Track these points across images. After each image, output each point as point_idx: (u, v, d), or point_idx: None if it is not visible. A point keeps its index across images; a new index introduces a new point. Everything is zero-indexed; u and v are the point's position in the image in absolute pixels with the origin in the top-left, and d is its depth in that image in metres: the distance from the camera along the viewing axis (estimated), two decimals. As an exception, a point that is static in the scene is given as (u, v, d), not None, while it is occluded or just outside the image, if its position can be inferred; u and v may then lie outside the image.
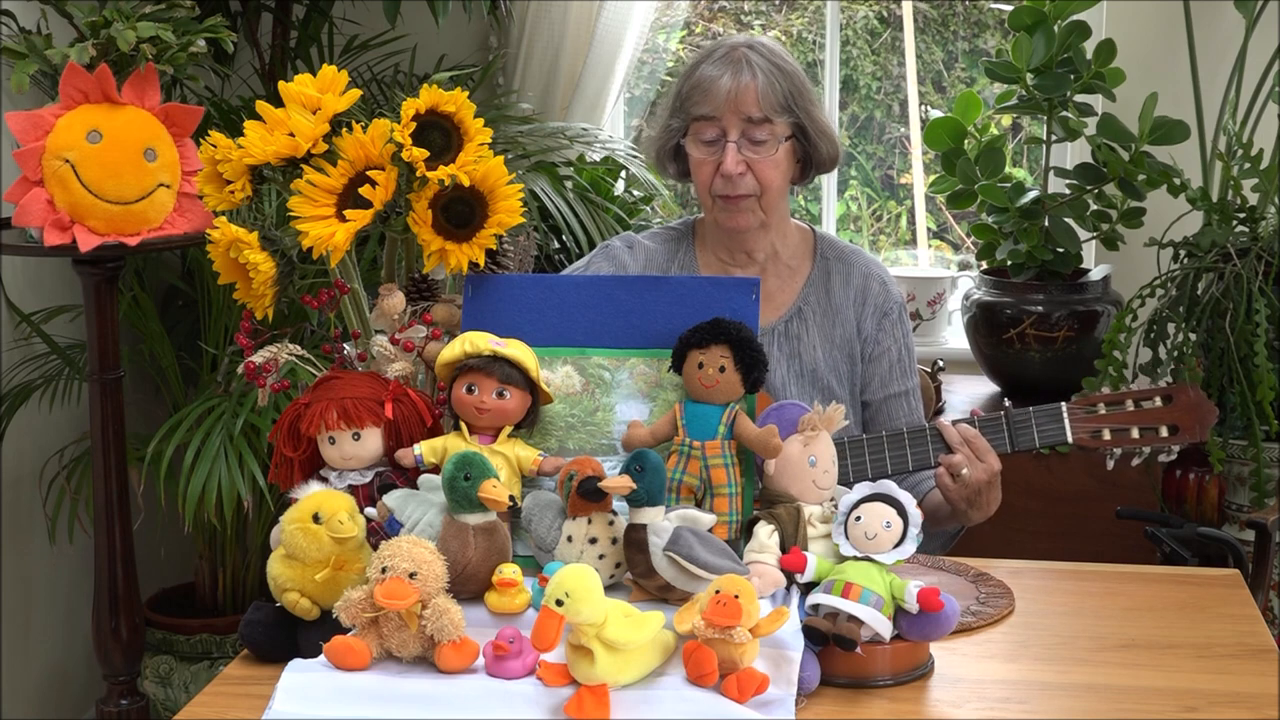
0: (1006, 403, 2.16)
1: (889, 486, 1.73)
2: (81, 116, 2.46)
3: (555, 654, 1.56)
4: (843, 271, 2.38)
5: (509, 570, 1.70)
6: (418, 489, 1.79)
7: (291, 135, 1.91)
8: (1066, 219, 3.20)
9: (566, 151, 3.46)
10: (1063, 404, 2.16)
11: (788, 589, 1.74)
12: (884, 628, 1.65)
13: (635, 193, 3.52)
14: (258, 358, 1.91)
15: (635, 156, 3.61)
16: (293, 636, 1.71)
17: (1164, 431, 2.15)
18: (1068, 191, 3.23)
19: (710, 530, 1.72)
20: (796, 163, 2.34)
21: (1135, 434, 2.15)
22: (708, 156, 2.28)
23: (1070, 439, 2.15)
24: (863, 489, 1.73)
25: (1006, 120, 4.04)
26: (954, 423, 2.16)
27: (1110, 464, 2.19)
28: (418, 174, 1.87)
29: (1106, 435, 2.15)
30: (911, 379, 2.39)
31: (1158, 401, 2.16)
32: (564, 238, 3.23)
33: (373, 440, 1.83)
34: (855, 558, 1.69)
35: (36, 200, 2.45)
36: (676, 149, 2.35)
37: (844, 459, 2.15)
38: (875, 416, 2.37)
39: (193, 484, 2.75)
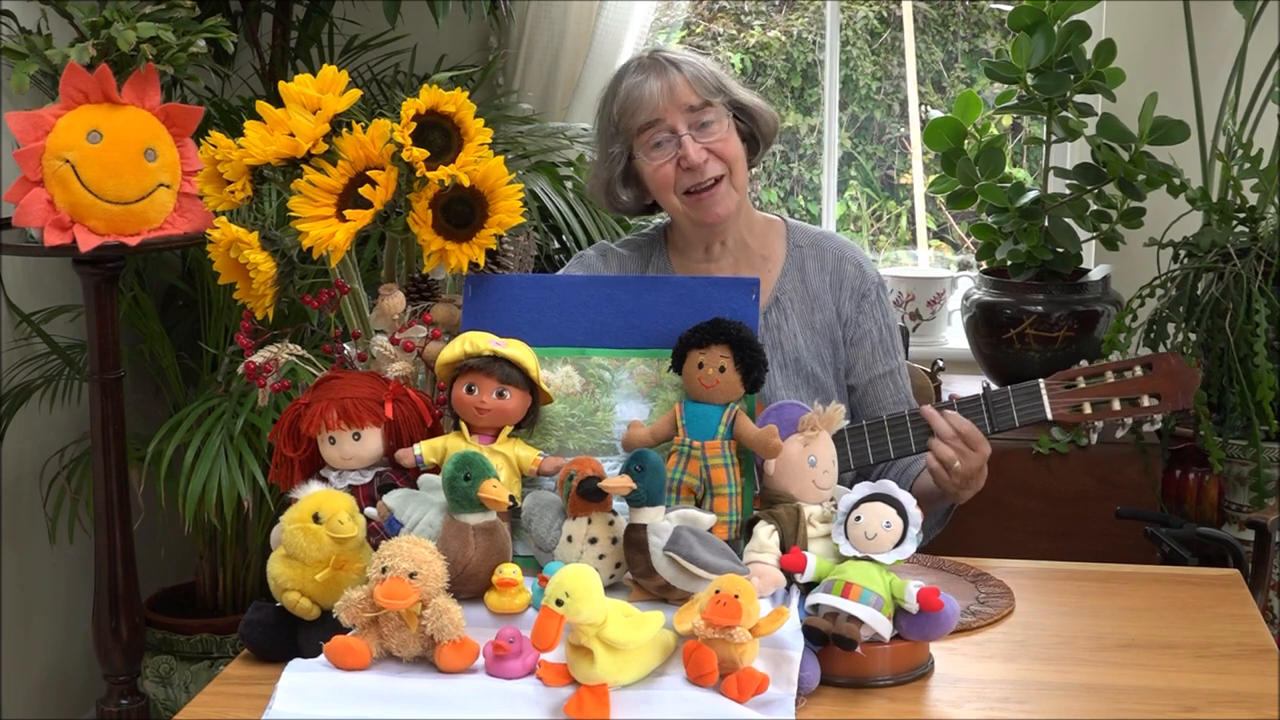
0: (984, 383, 2.11)
1: (889, 486, 1.73)
2: (82, 116, 2.46)
3: (555, 654, 1.56)
4: (816, 257, 2.37)
5: (509, 570, 1.70)
6: (418, 489, 1.79)
7: (291, 135, 1.91)
8: (1066, 219, 3.20)
9: (566, 151, 3.46)
10: (1040, 380, 2.12)
11: (788, 589, 1.74)
12: (884, 628, 1.65)
13: (635, 193, 3.52)
14: (258, 358, 1.91)
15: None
16: (293, 636, 1.72)
17: (1146, 401, 2.08)
18: (1068, 191, 3.23)
19: (710, 530, 1.72)
20: (743, 141, 2.33)
21: (1116, 405, 2.09)
22: (664, 158, 2.26)
23: (1050, 415, 2.10)
24: (863, 489, 1.73)
25: (1006, 120, 4.04)
26: (940, 408, 2.14)
27: (1093, 437, 2.14)
28: (418, 174, 1.87)
29: (1087, 409, 2.09)
30: (896, 358, 2.37)
31: (1138, 371, 2.10)
32: (564, 238, 3.23)
33: (373, 440, 1.83)
34: (855, 558, 1.69)
35: (37, 200, 2.45)
36: (625, 174, 2.32)
37: None
38: (863, 399, 2.36)
39: (193, 484, 2.75)
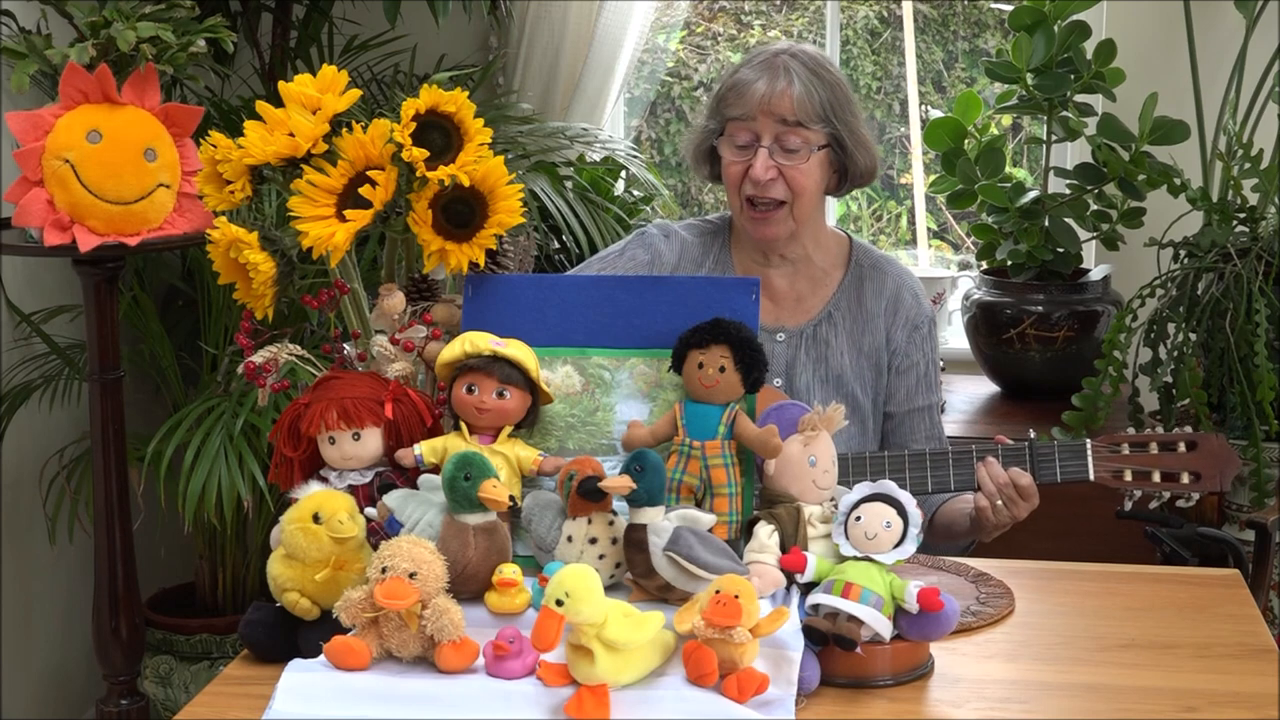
0: (1031, 433, 2.17)
1: (889, 486, 1.73)
2: (81, 116, 2.45)
3: (555, 654, 1.56)
4: (876, 280, 2.38)
5: (509, 570, 1.70)
6: (418, 489, 1.79)
7: (291, 135, 1.91)
8: (1066, 219, 3.21)
9: (566, 151, 3.46)
10: (1088, 441, 2.17)
11: (788, 589, 1.74)
12: (884, 628, 1.65)
13: (635, 193, 3.52)
14: (258, 358, 1.91)
15: (635, 156, 3.62)
16: (293, 636, 1.71)
17: (1185, 478, 2.15)
18: (1068, 191, 3.23)
19: (710, 530, 1.72)
20: (833, 173, 2.33)
21: (1156, 478, 2.16)
22: (739, 159, 2.28)
23: (1092, 477, 2.16)
24: (863, 489, 1.73)
25: (1006, 120, 4.05)
26: (984, 452, 2.16)
27: (1128, 505, 2.20)
28: (418, 174, 1.87)
29: (1128, 476, 2.16)
30: (935, 394, 2.40)
31: (1182, 448, 2.16)
32: (564, 238, 3.23)
33: (373, 440, 1.83)
34: (855, 558, 1.69)
35: (36, 200, 2.45)
36: (711, 151, 2.35)
37: (864, 475, 2.15)
38: (897, 429, 2.37)
39: (193, 484, 2.75)
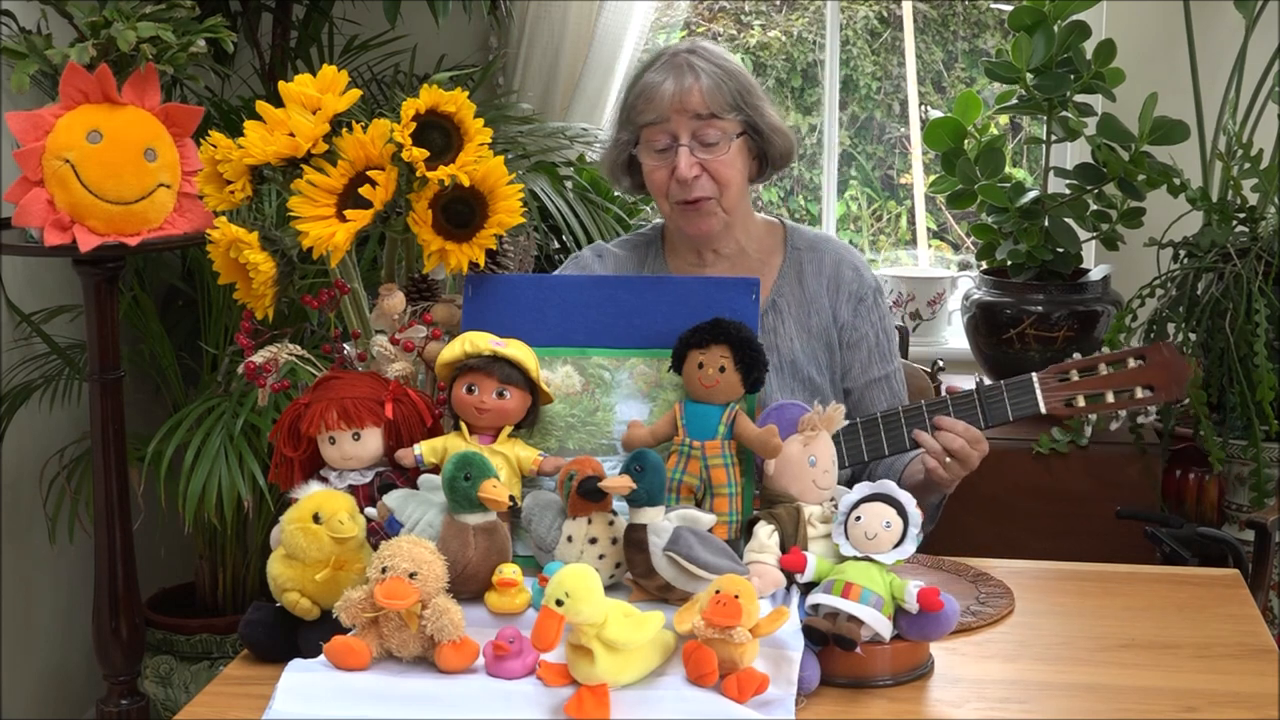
0: (977, 378, 2.12)
1: (889, 487, 1.73)
2: (81, 116, 2.45)
3: (555, 654, 1.56)
4: (814, 260, 2.37)
5: (509, 570, 1.70)
6: (418, 489, 1.79)
7: (291, 135, 1.91)
8: (1066, 219, 3.21)
9: (566, 151, 3.46)
10: (1033, 374, 2.12)
11: (788, 589, 1.74)
12: (884, 628, 1.65)
13: (635, 193, 3.52)
14: (258, 358, 1.91)
15: (635, 156, 3.61)
16: (293, 636, 1.72)
17: (1140, 392, 2.08)
18: (1068, 191, 3.23)
19: (710, 530, 1.72)
20: (753, 160, 2.33)
21: (1110, 398, 2.09)
22: (661, 163, 2.27)
23: (1044, 409, 2.11)
24: (863, 489, 1.73)
25: (1006, 120, 4.05)
26: (934, 406, 2.14)
27: (1088, 431, 2.14)
28: (418, 174, 1.87)
29: (1080, 402, 2.10)
30: (892, 363, 2.38)
31: (1131, 363, 2.10)
32: (564, 238, 3.23)
33: (373, 440, 1.83)
34: (855, 558, 1.69)
35: (37, 200, 2.45)
36: (629, 161, 2.33)
37: None
38: (858, 403, 2.36)
39: (193, 484, 2.75)
